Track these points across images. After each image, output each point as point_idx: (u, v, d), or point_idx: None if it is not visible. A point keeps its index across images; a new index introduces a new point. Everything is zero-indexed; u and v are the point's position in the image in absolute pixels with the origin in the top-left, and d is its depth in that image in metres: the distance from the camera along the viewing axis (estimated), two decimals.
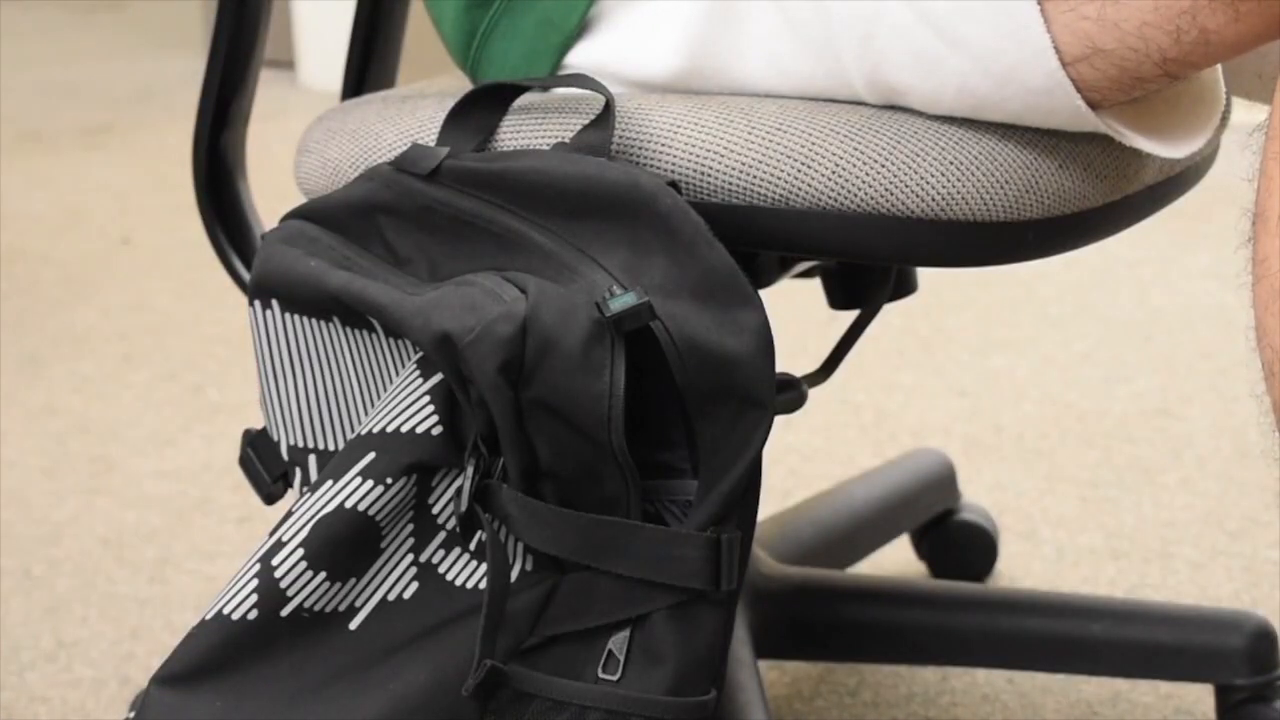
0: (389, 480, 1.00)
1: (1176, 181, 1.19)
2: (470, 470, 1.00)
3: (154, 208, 2.93)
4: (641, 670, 1.00)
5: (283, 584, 1.01)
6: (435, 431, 1.00)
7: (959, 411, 2.05)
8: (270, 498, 1.11)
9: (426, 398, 1.01)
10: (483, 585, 1.01)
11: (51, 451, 2.02)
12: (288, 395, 1.09)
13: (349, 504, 1.00)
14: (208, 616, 1.02)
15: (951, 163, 1.06)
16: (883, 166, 1.06)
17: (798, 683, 1.52)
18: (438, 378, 1.01)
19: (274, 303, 1.07)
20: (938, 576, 1.67)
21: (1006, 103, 1.04)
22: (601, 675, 1.00)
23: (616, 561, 0.99)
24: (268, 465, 1.11)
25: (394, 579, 1.02)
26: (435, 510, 1.02)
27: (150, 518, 1.86)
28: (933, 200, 1.05)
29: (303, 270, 1.05)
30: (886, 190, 1.06)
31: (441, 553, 1.02)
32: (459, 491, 1.00)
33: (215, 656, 1.02)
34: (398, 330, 1.01)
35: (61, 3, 4.80)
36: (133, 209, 2.93)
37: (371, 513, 1.00)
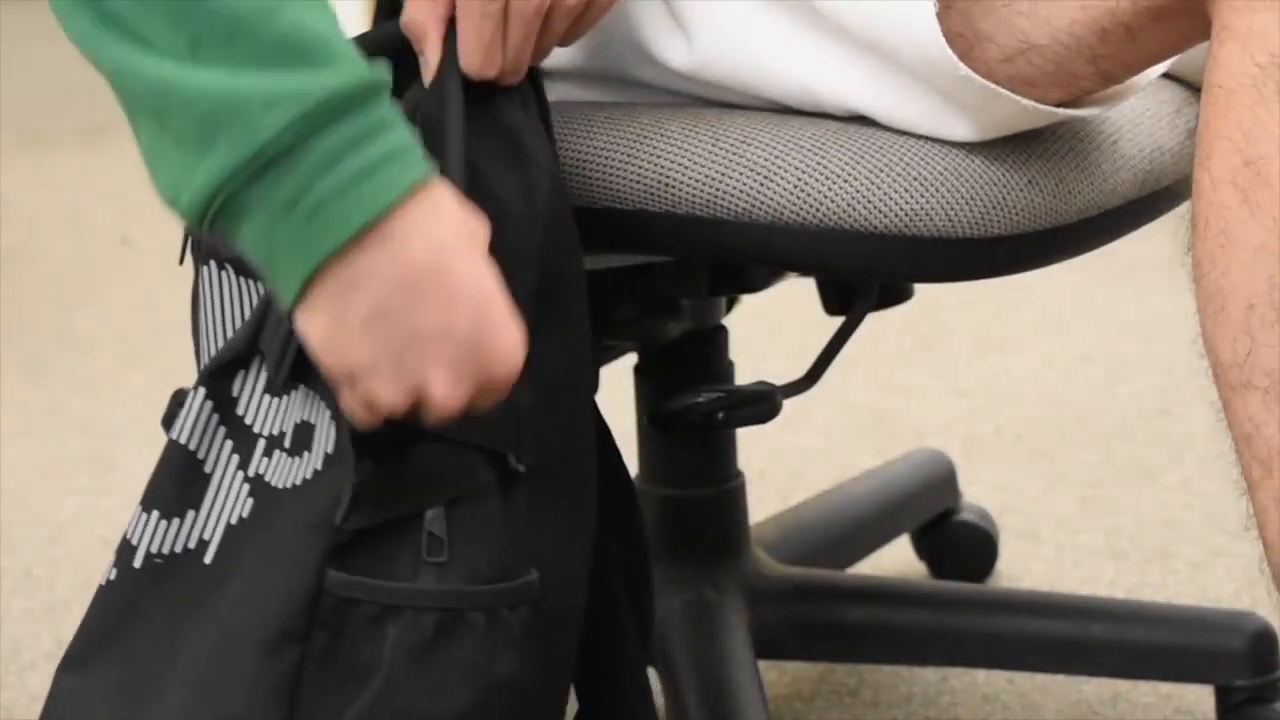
0: (184, 401, 0.99)
1: (1163, 195, 1.18)
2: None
3: (154, 208, 2.91)
4: (464, 553, 0.96)
5: (128, 535, 0.99)
6: (225, 337, 0.99)
7: (959, 411, 2.05)
8: None
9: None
10: (299, 481, 0.98)
11: (51, 451, 2.02)
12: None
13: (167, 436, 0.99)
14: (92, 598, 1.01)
15: (916, 178, 1.05)
16: (845, 181, 1.05)
17: (798, 683, 1.52)
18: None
19: (226, 264, 1.04)
20: (938, 577, 1.67)
21: (957, 120, 1.05)
22: (428, 559, 0.96)
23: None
24: None
25: (231, 501, 0.99)
26: (248, 420, 1.00)
27: None
28: (896, 216, 1.05)
29: None
30: (849, 205, 1.05)
31: (265, 461, 0.99)
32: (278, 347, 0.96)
33: (99, 628, 1.00)
34: None
35: None
36: (133, 209, 2.92)
37: (182, 440, 0.99)
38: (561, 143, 1.11)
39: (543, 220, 1.00)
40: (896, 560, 1.70)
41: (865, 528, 1.60)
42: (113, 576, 1.00)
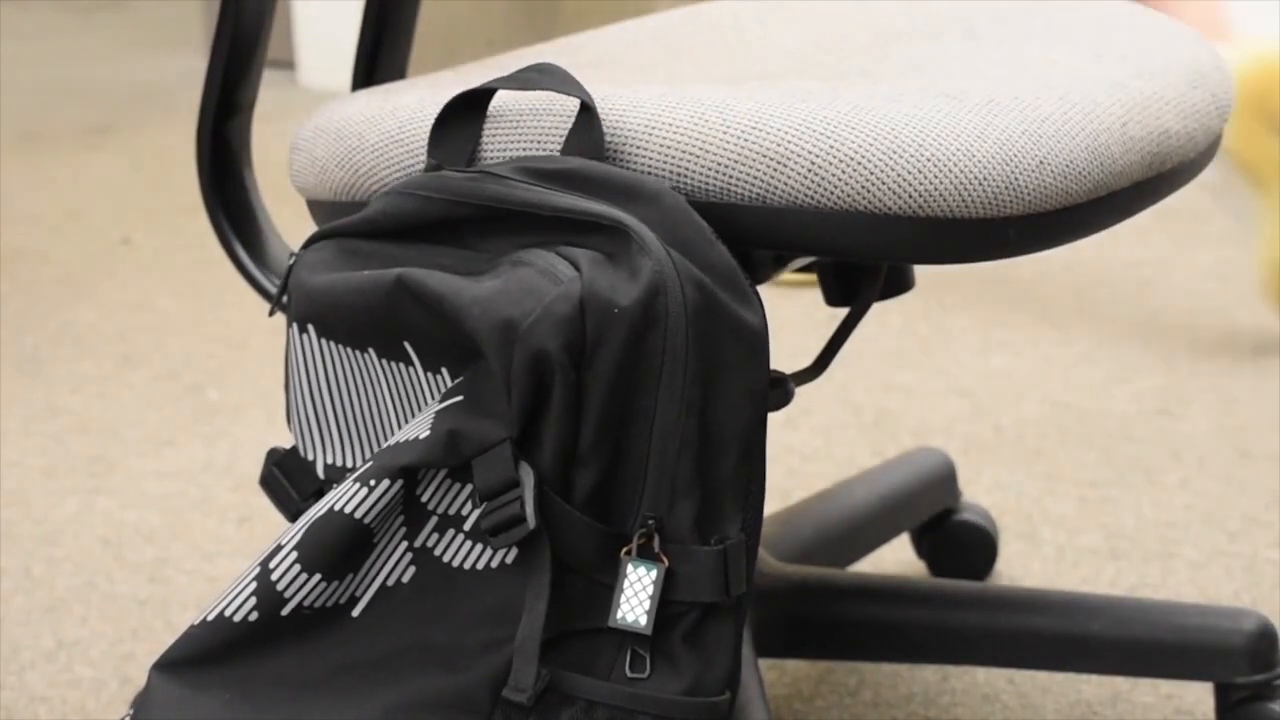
0: (373, 483, 1.01)
1: (1168, 178, 1.19)
2: (531, 482, 0.99)
3: (154, 208, 2.93)
4: (662, 672, 1.01)
5: (279, 586, 1.02)
6: (423, 436, 1.01)
7: (959, 411, 2.05)
8: (297, 515, 1.11)
9: (433, 417, 1.01)
10: (480, 565, 1.02)
11: (51, 451, 2.03)
12: (325, 417, 1.10)
13: (337, 507, 1.01)
14: (209, 618, 1.03)
15: (928, 159, 1.06)
16: (859, 164, 1.06)
17: (798, 683, 1.52)
18: (452, 400, 1.01)
19: (310, 328, 1.08)
20: (937, 576, 1.67)
21: None
22: (630, 674, 1.01)
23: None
24: (298, 484, 1.11)
25: (391, 566, 1.03)
26: (424, 499, 1.03)
27: (150, 518, 1.86)
28: (909, 197, 1.06)
29: (348, 285, 1.05)
30: (863, 188, 1.06)
31: (435, 536, 1.03)
32: (521, 502, 1.00)
33: (218, 652, 1.03)
34: (455, 318, 1.01)
35: (61, 3, 4.80)
36: (133, 209, 2.93)
37: (359, 515, 1.01)
38: None
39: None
40: (897, 559, 1.70)
41: (865, 527, 1.60)
42: (252, 617, 1.03)
